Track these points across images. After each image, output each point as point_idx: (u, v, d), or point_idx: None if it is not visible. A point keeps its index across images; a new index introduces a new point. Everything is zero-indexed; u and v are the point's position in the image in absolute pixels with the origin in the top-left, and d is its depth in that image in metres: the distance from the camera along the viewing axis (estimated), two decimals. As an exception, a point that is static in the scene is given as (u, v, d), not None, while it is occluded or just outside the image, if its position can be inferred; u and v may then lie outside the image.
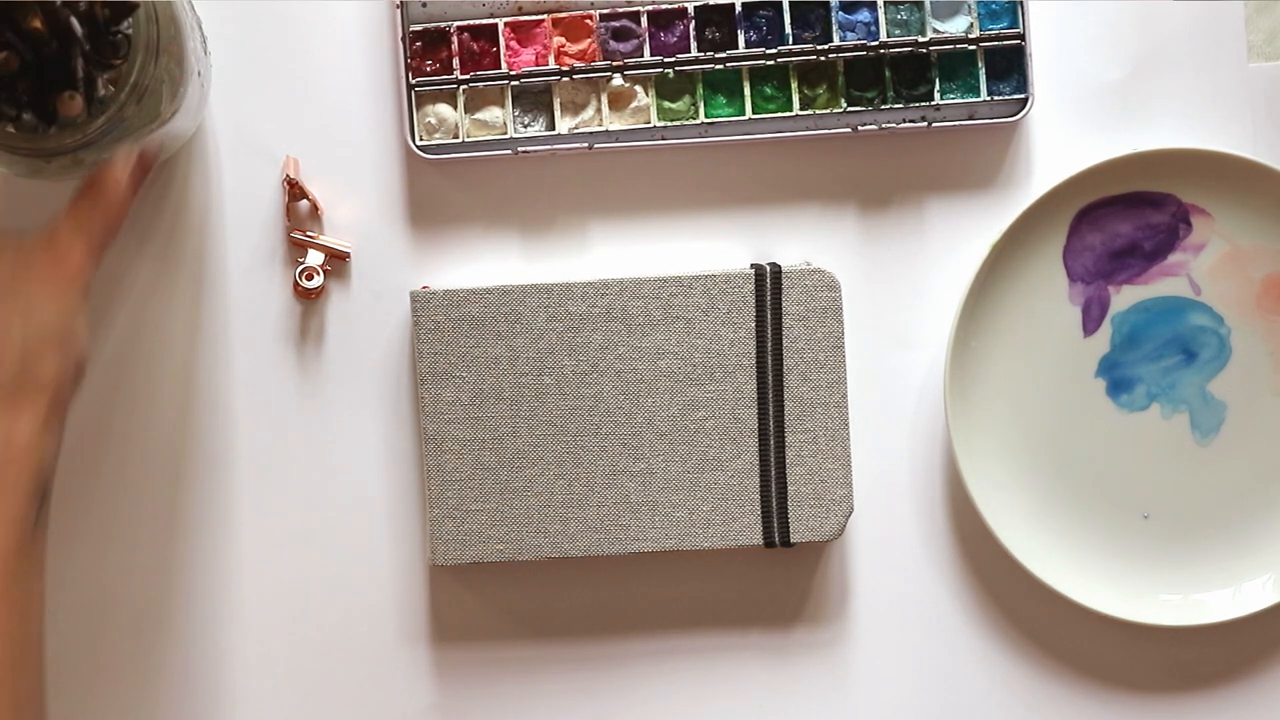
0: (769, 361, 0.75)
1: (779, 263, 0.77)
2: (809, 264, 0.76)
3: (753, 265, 0.77)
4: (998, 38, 0.78)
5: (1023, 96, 0.78)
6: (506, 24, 0.77)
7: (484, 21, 0.77)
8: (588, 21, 0.78)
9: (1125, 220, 0.78)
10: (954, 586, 0.79)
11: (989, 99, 0.78)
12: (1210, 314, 0.78)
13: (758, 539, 0.76)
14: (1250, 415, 0.78)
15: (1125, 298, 0.78)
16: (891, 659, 0.79)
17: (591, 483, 0.76)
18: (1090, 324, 0.78)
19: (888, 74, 0.78)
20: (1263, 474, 0.79)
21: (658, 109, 0.78)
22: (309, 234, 0.78)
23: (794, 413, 0.75)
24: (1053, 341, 0.78)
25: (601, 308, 0.75)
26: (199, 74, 0.72)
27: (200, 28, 0.74)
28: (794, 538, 0.76)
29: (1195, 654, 0.79)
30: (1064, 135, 0.79)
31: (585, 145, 0.77)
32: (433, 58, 0.77)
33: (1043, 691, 0.79)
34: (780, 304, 0.75)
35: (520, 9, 0.78)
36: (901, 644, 0.79)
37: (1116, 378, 0.78)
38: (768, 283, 0.75)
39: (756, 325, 0.75)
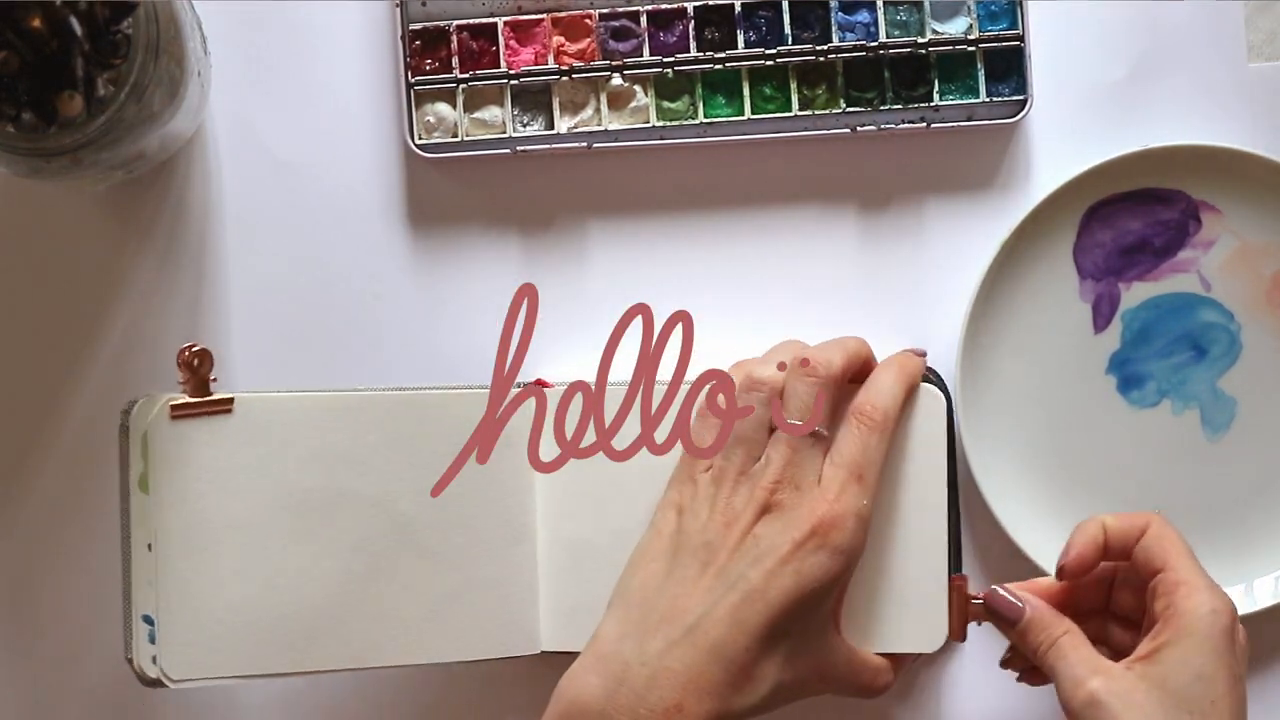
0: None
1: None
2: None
3: None
4: (997, 39, 0.78)
5: (1022, 98, 0.78)
6: (506, 23, 0.77)
7: (483, 21, 0.77)
8: (587, 21, 0.78)
9: (1135, 217, 0.78)
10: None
11: (988, 100, 0.78)
12: (1220, 310, 0.78)
13: None
14: (1261, 411, 0.78)
15: (1135, 294, 0.78)
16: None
17: None
18: (1100, 320, 0.78)
19: (887, 75, 0.78)
20: (1274, 470, 0.78)
21: (657, 109, 0.78)
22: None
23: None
24: (1063, 338, 0.78)
25: None
26: (199, 74, 0.72)
27: (200, 28, 0.74)
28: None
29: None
30: (1063, 136, 0.79)
31: (584, 145, 0.78)
32: (432, 56, 0.78)
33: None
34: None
35: (520, 8, 0.78)
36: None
37: (1127, 374, 0.78)
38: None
39: None
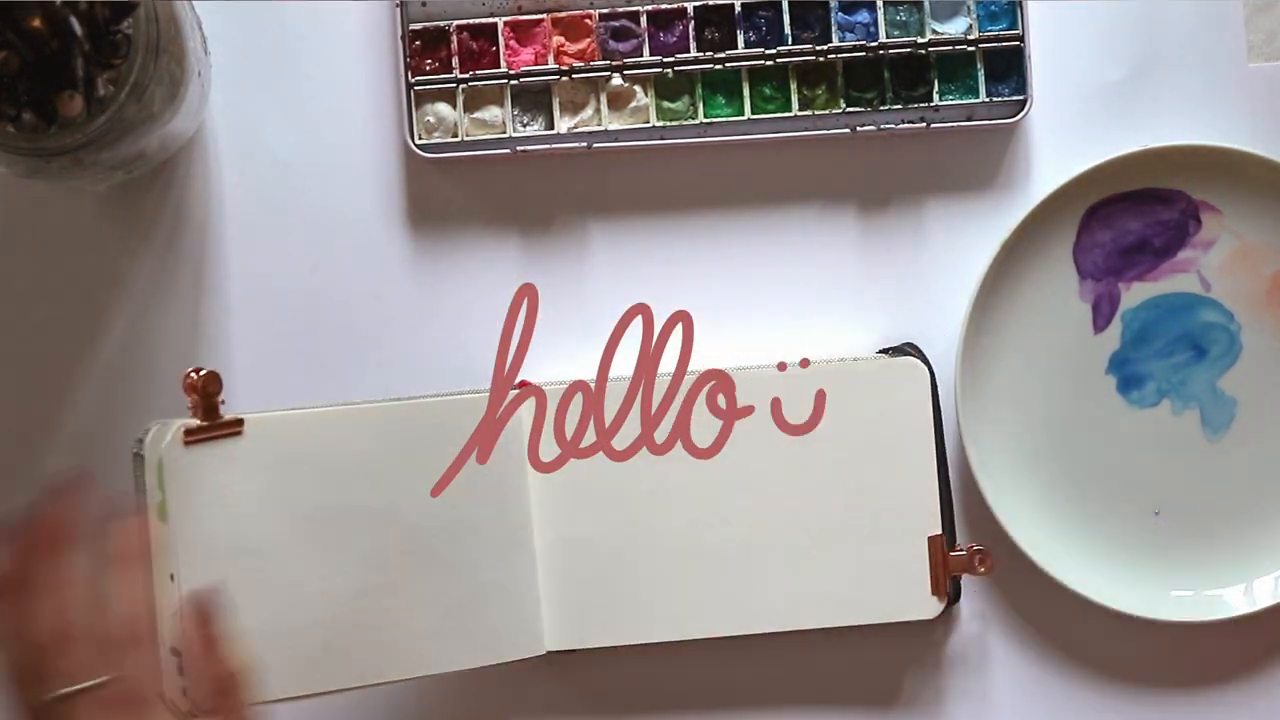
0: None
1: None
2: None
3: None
4: (997, 39, 0.78)
5: (1021, 98, 0.78)
6: (506, 23, 0.77)
7: (483, 21, 0.78)
8: (587, 21, 0.78)
9: (1135, 217, 0.78)
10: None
11: (988, 100, 0.78)
12: (1220, 310, 0.78)
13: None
14: (1261, 411, 0.78)
15: (1135, 294, 0.78)
16: (902, 659, 0.79)
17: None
18: (1100, 321, 0.78)
19: (887, 75, 0.78)
20: (1274, 470, 0.78)
21: (657, 109, 0.78)
22: None
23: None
24: (1063, 338, 0.78)
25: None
26: (199, 74, 0.72)
27: (200, 28, 0.74)
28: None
29: (1208, 650, 0.79)
30: (1063, 137, 0.79)
31: (584, 145, 0.78)
32: (432, 56, 0.78)
33: (1055, 687, 0.79)
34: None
35: (520, 8, 0.78)
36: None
37: (1127, 374, 0.78)
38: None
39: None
